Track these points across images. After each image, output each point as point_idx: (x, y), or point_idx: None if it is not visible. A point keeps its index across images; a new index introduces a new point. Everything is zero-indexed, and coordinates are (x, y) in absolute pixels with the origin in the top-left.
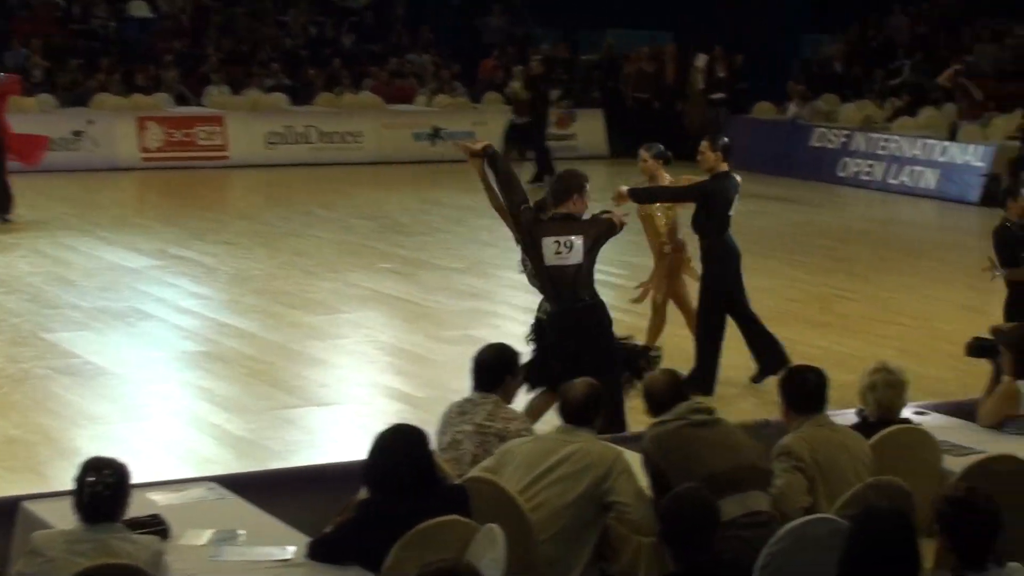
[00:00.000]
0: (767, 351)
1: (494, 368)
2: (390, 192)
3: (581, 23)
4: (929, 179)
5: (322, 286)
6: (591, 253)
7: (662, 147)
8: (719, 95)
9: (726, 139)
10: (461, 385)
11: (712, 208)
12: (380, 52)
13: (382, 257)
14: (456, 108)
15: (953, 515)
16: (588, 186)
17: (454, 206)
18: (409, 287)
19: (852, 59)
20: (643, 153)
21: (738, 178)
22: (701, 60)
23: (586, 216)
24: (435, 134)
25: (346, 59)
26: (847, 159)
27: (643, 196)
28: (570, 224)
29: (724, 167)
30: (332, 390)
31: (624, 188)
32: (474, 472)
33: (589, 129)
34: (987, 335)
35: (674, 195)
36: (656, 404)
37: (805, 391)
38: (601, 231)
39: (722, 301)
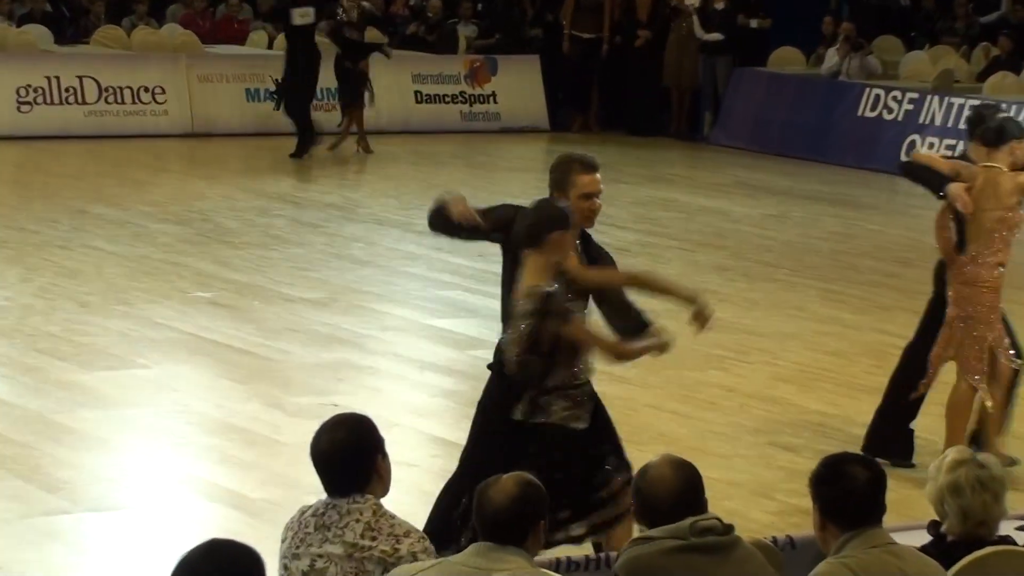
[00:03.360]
0: None
1: (360, 454)
2: (211, 181)
3: None
4: None
5: (106, 326)
6: None
7: None
8: (715, 36)
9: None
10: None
11: None
12: None
13: (198, 281)
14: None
15: None
16: None
17: (310, 203)
18: (240, 328)
19: None
20: None
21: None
22: None
23: None
24: (280, 92)
25: None
26: (916, 136)
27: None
28: None
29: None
30: (120, 487)
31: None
32: None
33: (518, 87)
34: None
35: None
36: (651, 511)
37: (851, 494)
38: None
39: None
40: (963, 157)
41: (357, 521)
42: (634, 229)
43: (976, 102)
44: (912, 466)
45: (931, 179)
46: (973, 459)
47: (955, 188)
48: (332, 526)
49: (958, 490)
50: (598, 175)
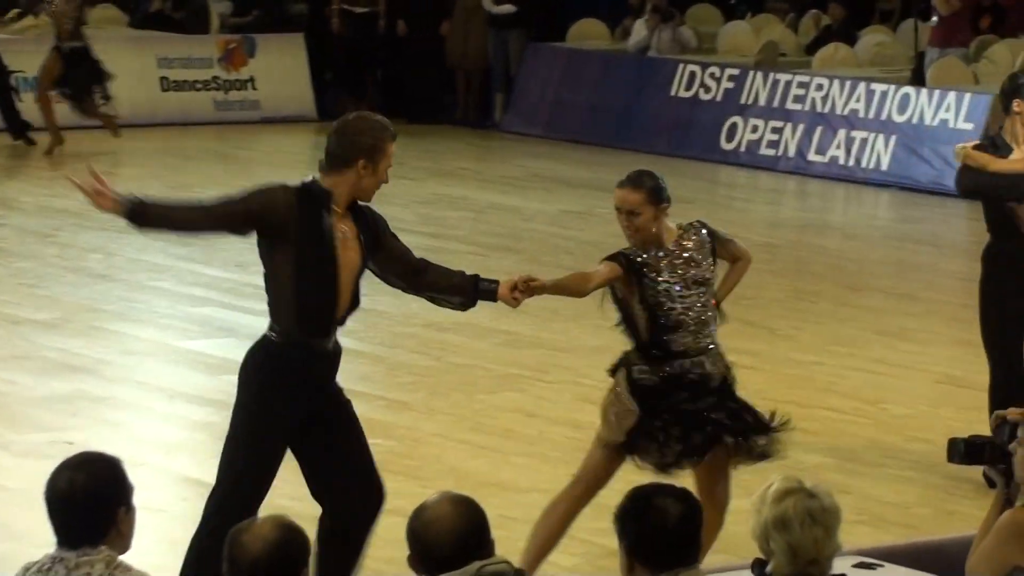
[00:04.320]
0: None
1: (100, 501)
2: None
3: None
4: (880, 153)
5: None
6: None
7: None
8: (506, 8)
9: None
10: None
11: None
12: None
13: None
14: (42, 36)
15: None
16: None
17: (38, 209)
18: None
19: None
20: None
21: None
22: None
23: None
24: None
25: None
26: (737, 119)
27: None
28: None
29: None
30: None
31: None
32: None
33: (281, 71)
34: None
35: None
36: (431, 556)
37: (662, 531)
38: None
39: None
40: (991, 142)
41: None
42: (418, 232)
43: (805, 79)
44: None
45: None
46: (802, 488)
47: None
48: None
49: (785, 524)
50: None
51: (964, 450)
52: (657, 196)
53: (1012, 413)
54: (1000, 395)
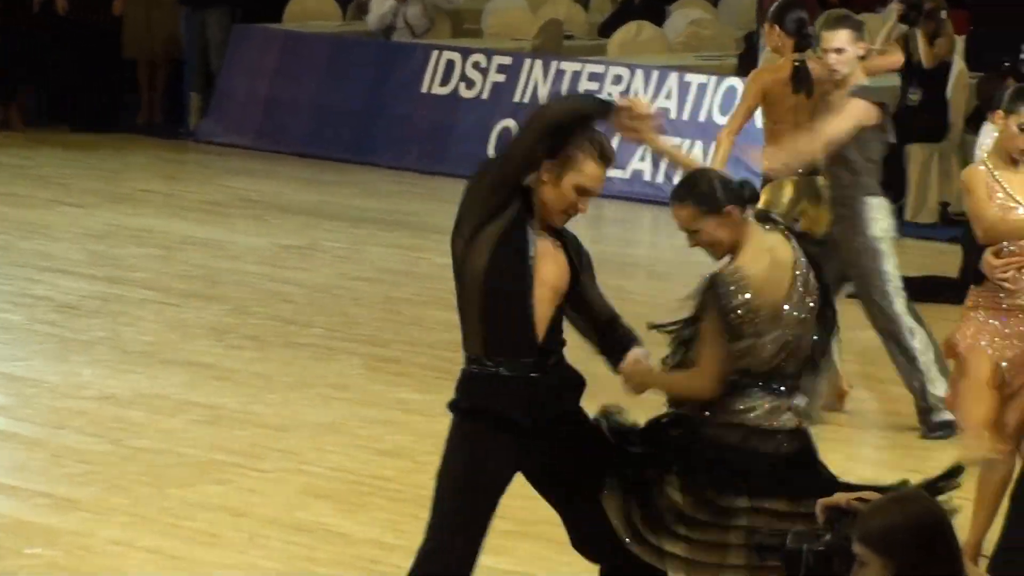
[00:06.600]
0: None
1: None
2: None
3: None
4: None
5: None
6: None
7: None
8: None
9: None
10: None
11: None
12: None
13: None
14: None
15: None
16: None
17: None
18: None
19: None
20: None
21: None
22: None
23: None
24: None
25: None
26: (509, 123)
27: None
28: None
29: None
30: None
31: None
32: None
33: None
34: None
35: None
36: None
37: None
38: None
39: None
40: None
41: None
42: (87, 275)
43: (598, 68)
44: None
45: None
46: None
47: None
48: None
49: None
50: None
51: (812, 562)
52: (709, 201)
53: (844, 500)
54: None
